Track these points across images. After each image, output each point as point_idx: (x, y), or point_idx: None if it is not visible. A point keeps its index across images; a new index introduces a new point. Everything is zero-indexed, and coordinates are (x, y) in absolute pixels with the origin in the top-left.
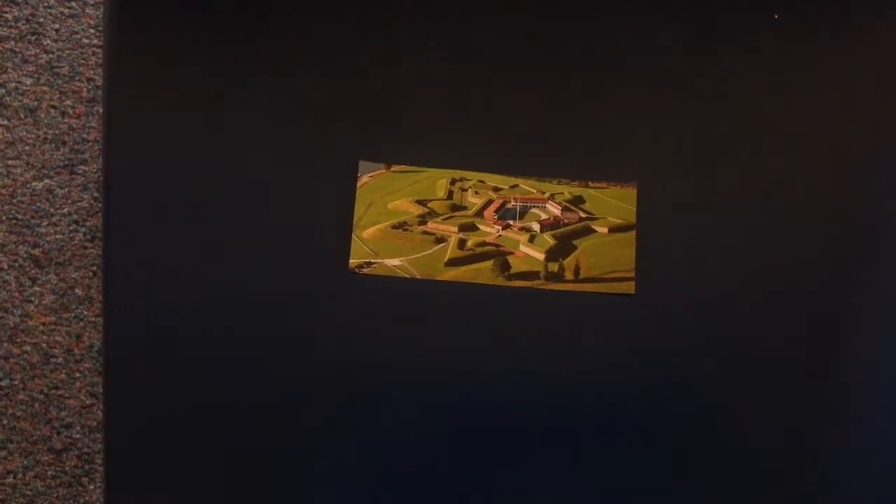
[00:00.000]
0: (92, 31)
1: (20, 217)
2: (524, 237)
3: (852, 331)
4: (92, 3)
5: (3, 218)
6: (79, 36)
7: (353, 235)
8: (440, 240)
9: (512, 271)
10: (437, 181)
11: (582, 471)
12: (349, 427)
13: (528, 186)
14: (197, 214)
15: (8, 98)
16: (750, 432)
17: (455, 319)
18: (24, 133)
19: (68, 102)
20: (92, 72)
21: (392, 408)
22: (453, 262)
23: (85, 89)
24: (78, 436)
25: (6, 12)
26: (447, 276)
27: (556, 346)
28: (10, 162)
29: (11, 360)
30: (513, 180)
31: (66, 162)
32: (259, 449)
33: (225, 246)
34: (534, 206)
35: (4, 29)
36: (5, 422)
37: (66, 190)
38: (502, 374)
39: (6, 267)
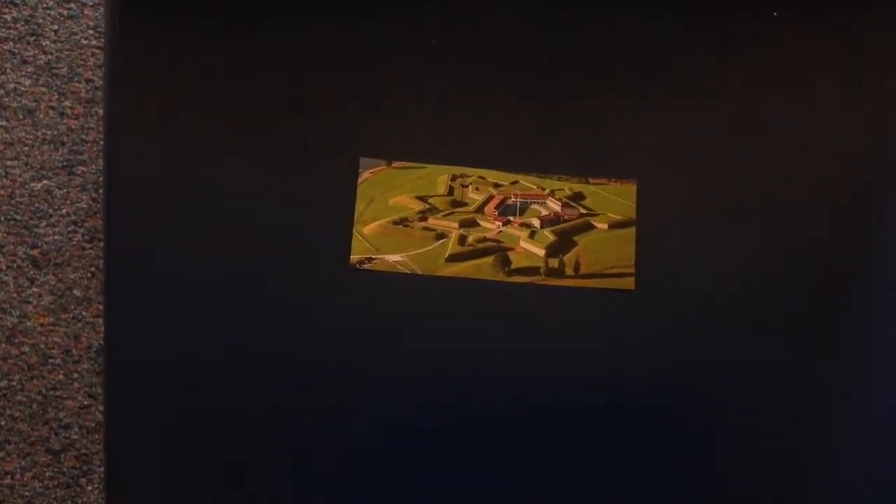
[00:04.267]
0: (91, 32)
1: (19, 218)
2: (524, 233)
3: (852, 328)
4: (90, 4)
5: (2, 218)
6: (77, 37)
7: (354, 231)
8: (441, 236)
9: (512, 267)
10: (438, 177)
11: (581, 467)
12: (349, 423)
13: (528, 182)
14: (197, 213)
15: (7, 99)
16: (750, 428)
17: (455, 315)
18: (23, 134)
19: (67, 103)
20: (91, 73)
21: (392, 403)
22: (454, 258)
23: (84, 90)
24: (76, 436)
25: (5, 13)
26: (448, 271)
27: (555, 342)
28: (8, 163)
29: (10, 360)
30: (513, 176)
31: (65, 163)
32: (258, 447)
33: (225, 244)
34: (534, 203)
35: (3, 30)
36: (3, 423)
37: (65, 191)
38: (502, 370)
39: (4, 268)
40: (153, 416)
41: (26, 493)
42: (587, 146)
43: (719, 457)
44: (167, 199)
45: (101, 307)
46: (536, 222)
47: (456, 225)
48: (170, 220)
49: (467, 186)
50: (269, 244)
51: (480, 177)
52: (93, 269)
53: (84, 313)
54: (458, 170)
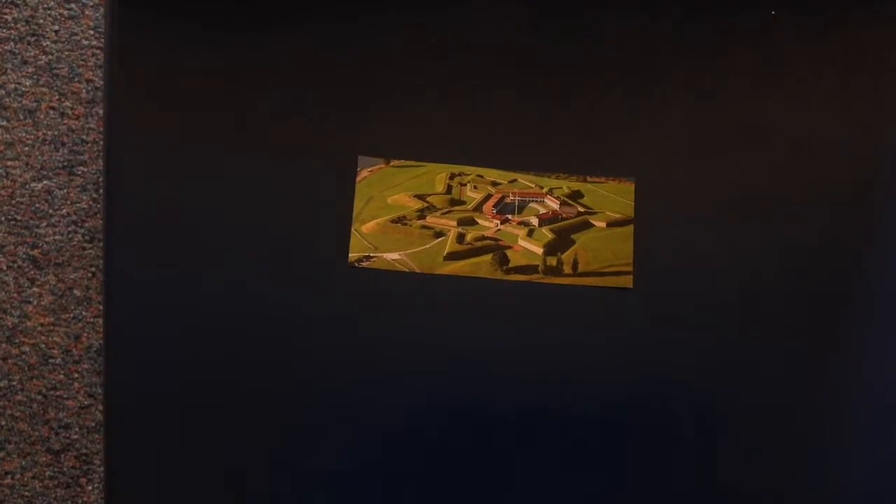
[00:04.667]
0: (91, 32)
1: (19, 218)
2: (523, 231)
3: (852, 328)
4: (91, 4)
5: (2, 219)
6: (78, 37)
7: (353, 229)
8: (439, 234)
9: (510, 265)
10: (436, 176)
11: (579, 464)
12: (348, 422)
13: (526, 181)
14: (197, 213)
15: (7, 99)
16: (748, 425)
17: (454, 313)
18: (24, 134)
19: (67, 104)
20: (91, 73)
21: (391, 401)
22: (452, 256)
23: (84, 90)
24: (76, 436)
25: (6, 14)
26: (446, 269)
27: (554, 340)
28: (9, 163)
29: (10, 360)
30: (511, 175)
31: (65, 163)
32: (258, 447)
33: (225, 243)
34: (532, 201)
35: (4, 30)
36: (3, 422)
37: (65, 191)
38: (500, 368)
39: (5, 268)
40: (153, 416)
41: (26, 493)
42: (585, 145)
43: (719, 457)
44: (167, 199)
45: (102, 307)
46: (535, 220)
47: (454, 223)
48: (170, 220)
49: (465, 185)
50: (269, 243)
51: (479, 175)
52: (93, 269)
53: (84, 313)
54: (456, 168)
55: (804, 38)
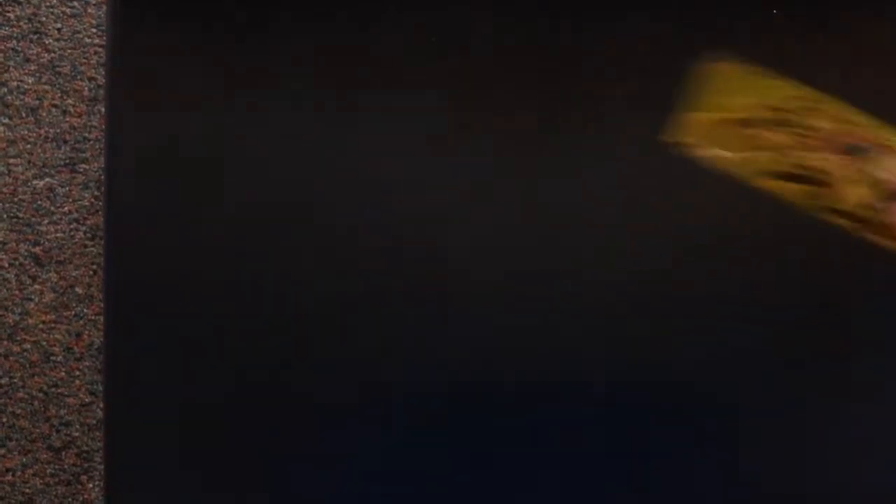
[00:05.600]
0: (94, 30)
1: (21, 215)
2: (859, 177)
3: (853, 328)
4: (94, 2)
5: (4, 216)
6: (81, 35)
7: (689, 116)
8: (776, 148)
9: (828, 205)
10: (790, 93)
11: (579, 463)
12: (348, 420)
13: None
14: (198, 213)
15: (9, 97)
16: (748, 425)
17: (455, 312)
18: (26, 132)
19: (70, 101)
20: (94, 71)
21: (392, 400)
22: (773, 175)
23: (86, 88)
24: (77, 434)
25: (8, 11)
26: (765, 183)
27: (555, 337)
28: (11, 160)
29: (11, 358)
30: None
31: (68, 161)
32: (258, 446)
33: (225, 242)
34: (877, 152)
35: (6, 28)
36: (4, 420)
37: (67, 188)
38: (500, 367)
39: (6, 265)
40: (153, 415)
41: (27, 490)
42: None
43: (719, 456)
44: (168, 198)
45: (103, 305)
46: (877, 171)
47: (794, 143)
48: (171, 219)
49: (812, 110)
50: (269, 243)
51: (834, 110)
52: (94, 266)
53: (86, 311)
54: (809, 93)
55: (804, 38)
